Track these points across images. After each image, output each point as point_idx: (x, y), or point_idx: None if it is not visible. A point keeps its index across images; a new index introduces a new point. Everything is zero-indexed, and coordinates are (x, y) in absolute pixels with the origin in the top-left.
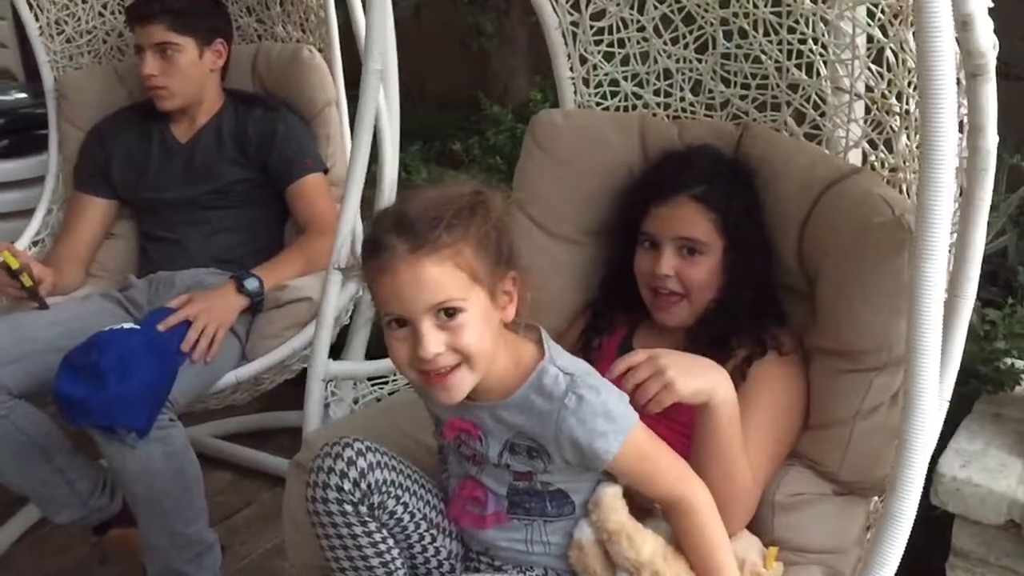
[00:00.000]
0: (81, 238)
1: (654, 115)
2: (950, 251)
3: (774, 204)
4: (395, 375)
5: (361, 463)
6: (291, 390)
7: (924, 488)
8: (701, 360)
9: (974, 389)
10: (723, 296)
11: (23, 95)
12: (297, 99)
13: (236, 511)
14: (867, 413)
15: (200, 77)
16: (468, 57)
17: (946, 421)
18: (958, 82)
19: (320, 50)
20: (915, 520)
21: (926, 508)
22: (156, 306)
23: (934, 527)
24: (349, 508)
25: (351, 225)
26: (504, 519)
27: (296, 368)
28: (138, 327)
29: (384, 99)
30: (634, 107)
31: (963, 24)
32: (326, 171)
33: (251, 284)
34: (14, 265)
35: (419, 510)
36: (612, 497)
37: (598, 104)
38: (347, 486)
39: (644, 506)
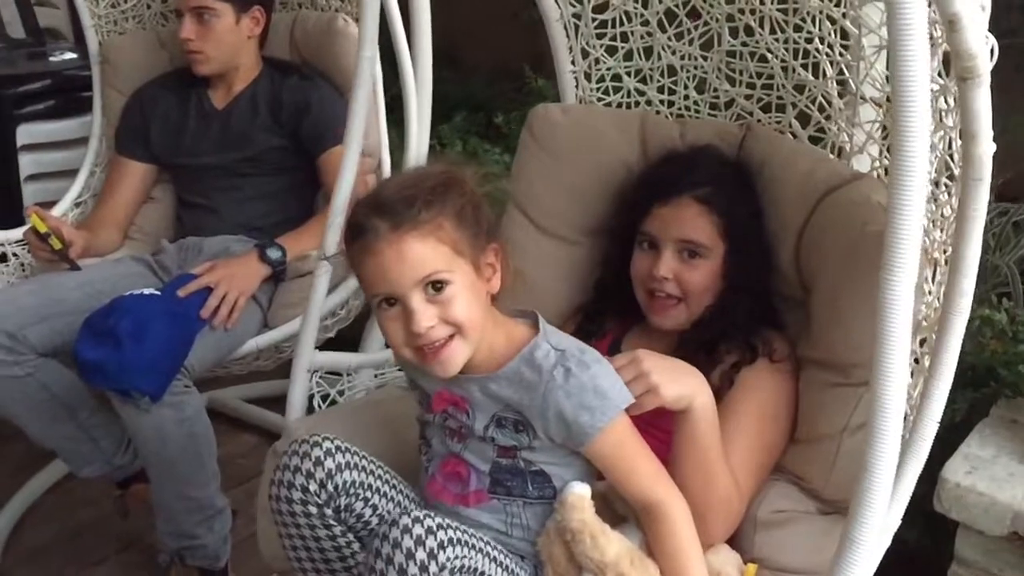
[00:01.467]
0: (119, 201)
1: (657, 113)
2: (945, 264)
3: (773, 209)
4: (384, 368)
5: (329, 464)
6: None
7: (927, 492)
8: (681, 364)
9: (994, 392)
10: (720, 302)
11: (73, 55)
12: (332, 68)
13: (257, 474)
14: (854, 429)
15: (236, 43)
16: (522, 29)
17: (960, 423)
18: (944, 84)
19: (356, 19)
20: (919, 523)
21: (930, 512)
22: (184, 271)
23: (941, 531)
24: (313, 510)
25: (342, 213)
26: (485, 497)
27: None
28: (159, 293)
29: (411, 74)
30: (637, 104)
31: (950, 24)
32: None
33: (274, 253)
34: (42, 228)
35: (388, 512)
36: (577, 496)
37: (600, 100)
38: (313, 487)
39: (619, 513)
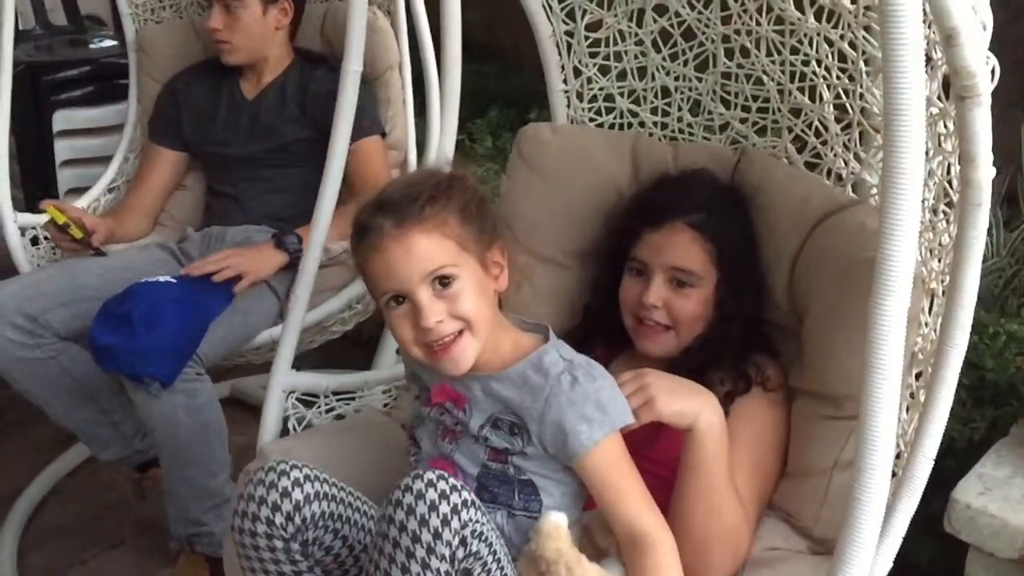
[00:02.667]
0: (151, 188)
1: (650, 135)
2: (943, 295)
3: (767, 235)
4: (362, 391)
5: (297, 495)
6: (350, 348)
7: (938, 512)
8: (689, 383)
9: (1015, 410)
10: (710, 330)
11: (113, 43)
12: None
13: None
14: (845, 465)
15: (263, 34)
16: None
17: (978, 443)
18: (944, 108)
19: (388, 12)
20: (933, 543)
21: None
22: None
23: (955, 551)
24: (279, 544)
25: (326, 221)
26: None
27: (336, 330)
28: (174, 280)
29: (434, 67)
30: (630, 125)
31: (947, 39)
32: (384, 135)
33: (290, 240)
34: (60, 220)
35: (359, 541)
36: (553, 525)
37: (592, 120)
38: (279, 520)
39: (600, 547)
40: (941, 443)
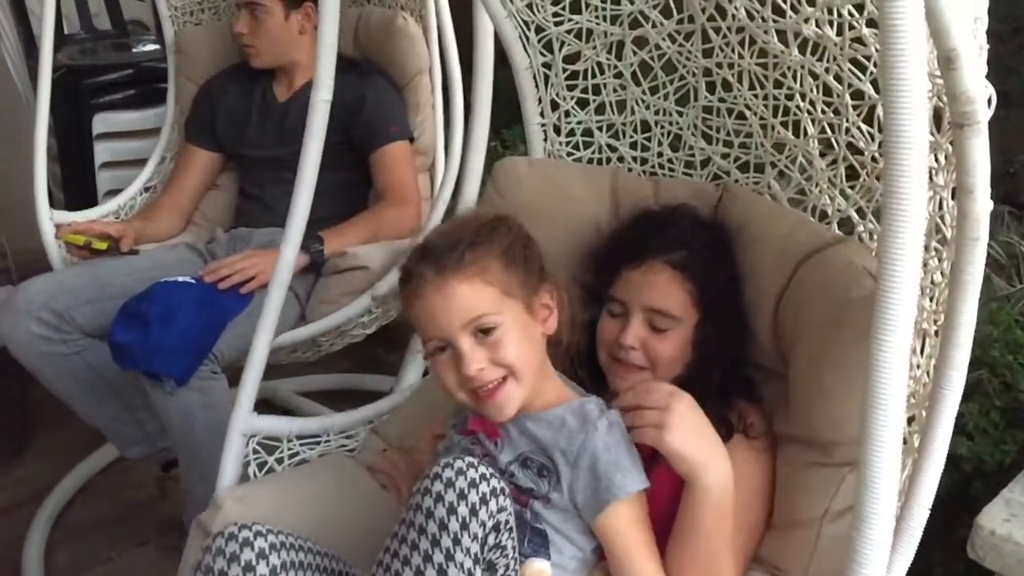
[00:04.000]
0: (184, 188)
1: (630, 170)
2: (935, 335)
3: (750, 274)
4: (328, 435)
5: (262, 569)
6: (380, 351)
7: (962, 537)
8: (713, 436)
9: None
10: (689, 372)
11: (156, 47)
12: (389, 66)
13: None
14: (836, 515)
15: (287, 39)
16: None
17: (1009, 466)
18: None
19: (421, 18)
20: (959, 569)
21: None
22: None
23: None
24: None
25: (298, 236)
26: None
27: (356, 334)
28: (193, 280)
29: (458, 75)
30: (608, 160)
31: (947, 61)
32: (412, 140)
33: (311, 242)
34: (80, 242)
35: None
36: (536, 571)
37: (570, 155)
38: None
39: None
40: (969, 464)
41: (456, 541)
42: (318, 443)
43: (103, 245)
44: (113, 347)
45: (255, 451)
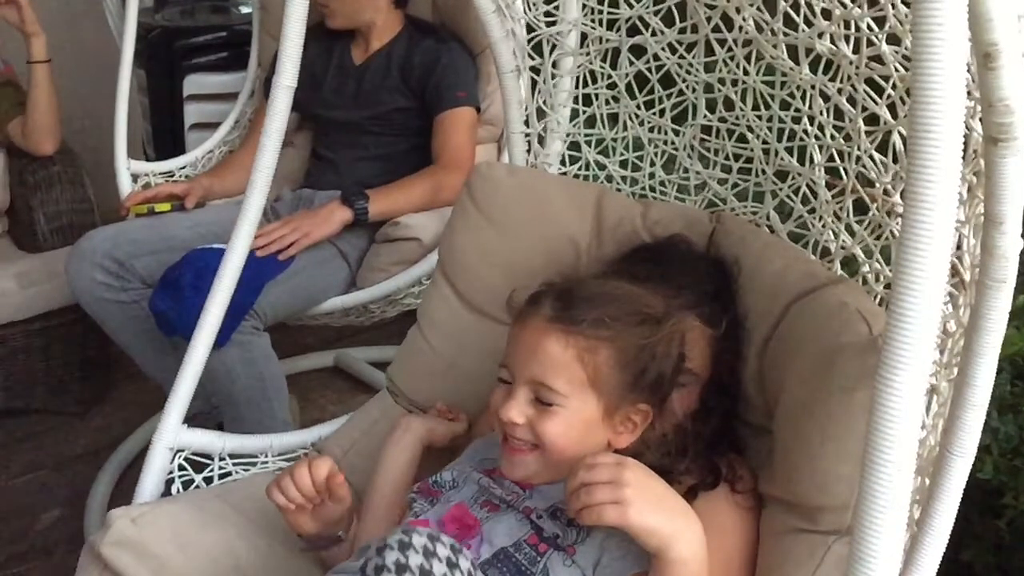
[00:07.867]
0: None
1: (618, 190)
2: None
3: (741, 316)
4: (266, 455)
5: None
6: None
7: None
8: (676, 498)
9: None
10: (682, 425)
11: (251, 9)
12: (466, 33)
13: None
14: None
15: (363, 1)
16: None
17: None
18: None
19: None
20: None
21: None
22: None
23: None
24: None
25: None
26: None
27: (407, 303)
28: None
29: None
30: (596, 178)
31: (986, 57)
32: (479, 109)
33: (357, 198)
34: (143, 211)
35: None
36: None
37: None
38: None
39: None
40: None
41: None
42: (254, 463)
43: (166, 207)
44: (155, 316)
45: (181, 467)
